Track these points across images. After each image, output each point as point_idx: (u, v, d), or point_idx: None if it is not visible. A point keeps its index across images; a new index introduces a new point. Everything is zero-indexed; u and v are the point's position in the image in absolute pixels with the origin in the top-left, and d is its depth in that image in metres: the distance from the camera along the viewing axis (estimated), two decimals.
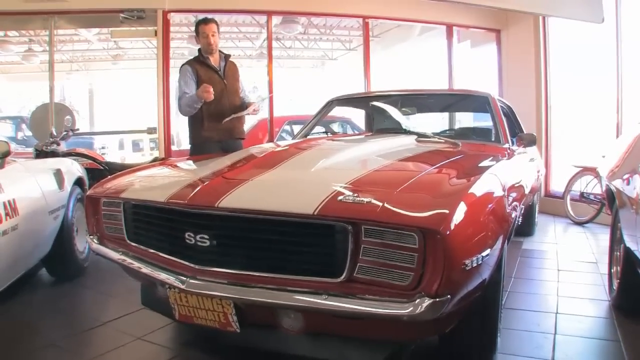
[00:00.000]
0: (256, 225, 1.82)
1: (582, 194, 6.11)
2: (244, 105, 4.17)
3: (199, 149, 3.98)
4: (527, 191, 3.26)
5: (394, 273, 1.61)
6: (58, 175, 3.53)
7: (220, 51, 4.19)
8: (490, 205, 1.95)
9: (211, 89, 3.86)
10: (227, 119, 4.00)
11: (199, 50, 4.15)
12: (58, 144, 4.95)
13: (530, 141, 3.59)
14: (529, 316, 2.94)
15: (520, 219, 2.95)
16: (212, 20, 4.14)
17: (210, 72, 4.05)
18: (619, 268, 3.05)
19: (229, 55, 4.27)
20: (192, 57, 4.25)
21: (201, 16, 4.97)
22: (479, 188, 1.89)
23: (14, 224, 2.70)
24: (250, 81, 10.23)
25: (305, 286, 1.72)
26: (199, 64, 4.08)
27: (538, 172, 4.60)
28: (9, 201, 2.70)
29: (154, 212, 2.14)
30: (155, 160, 5.13)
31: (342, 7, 7.13)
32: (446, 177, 2.12)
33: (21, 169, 3.20)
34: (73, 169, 3.91)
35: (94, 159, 5.36)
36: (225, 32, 11.53)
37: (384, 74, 9.04)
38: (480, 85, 7.61)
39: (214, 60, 4.11)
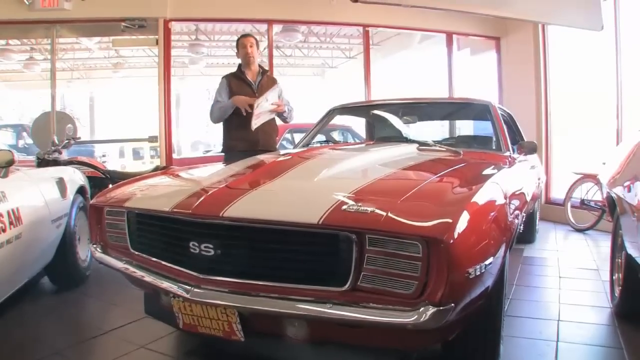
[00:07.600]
0: (260, 235, 1.83)
1: (582, 201, 6.13)
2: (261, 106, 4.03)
3: (227, 157, 4.14)
4: (528, 199, 3.27)
5: (398, 282, 1.62)
6: (61, 183, 3.54)
7: (260, 66, 4.33)
8: (492, 214, 1.96)
9: (246, 105, 3.96)
10: (254, 124, 3.95)
11: (239, 65, 4.29)
12: (60, 153, 4.98)
13: (531, 149, 3.61)
14: (531, 324, 2.95)
15: (521, 227, 2.96)
16: (251, 35, 4.36)
17: (243, 85, 4.18)
18: (620, 275, 3.06)
19: (267, 71, 4.42)
20: (231, 72, 4.36)
21: (202, 25, 5.02)
22: (481, 197, 1.90)
23: (17, 233, 2.71)
24: None
25: (310, 295, 1.72)
26: (234, 78, 4.25)
27: (539, 179, 4.61)
28: (12, 210, 2.70)
29: (158, 222, 2.14)
30: (156, 168, 5.14)
31: (342, 15, 7.16)
32: (449, 186, 2.13)
33: (24, 178, 3.20)
34: (75, 177, 3.92)
35: (95, 167, 5.38)
36: (226, 41, 11.57)
37: (384, 81, 9.06)
38: (480, 93, 7.64)
39: (251, 75, 4.24)
